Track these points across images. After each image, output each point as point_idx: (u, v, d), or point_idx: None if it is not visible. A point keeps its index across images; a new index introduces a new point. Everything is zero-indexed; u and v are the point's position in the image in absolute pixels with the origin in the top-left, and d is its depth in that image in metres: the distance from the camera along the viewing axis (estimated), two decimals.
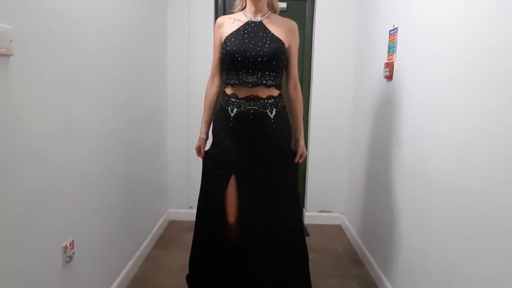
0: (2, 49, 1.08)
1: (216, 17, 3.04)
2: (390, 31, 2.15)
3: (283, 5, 3.06)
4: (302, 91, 3.13)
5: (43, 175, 1.33)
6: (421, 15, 1.78)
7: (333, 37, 3.03)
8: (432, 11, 1.67)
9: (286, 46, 1.81)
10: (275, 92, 1.82)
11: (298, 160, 1.90)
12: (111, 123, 1.91)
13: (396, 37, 2.07)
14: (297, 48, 1.89)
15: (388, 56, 2.18)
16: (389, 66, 2.13)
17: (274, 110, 1.80)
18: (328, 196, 3.23)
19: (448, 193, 1.48)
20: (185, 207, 3.22)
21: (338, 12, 3.00)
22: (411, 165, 1.84)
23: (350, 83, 3.07)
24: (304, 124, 3.23)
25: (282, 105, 1.86)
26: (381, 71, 2.28)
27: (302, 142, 1.92)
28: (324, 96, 3.10)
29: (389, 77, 2.13)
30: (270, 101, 1.79)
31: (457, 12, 1.46)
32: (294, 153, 1.90)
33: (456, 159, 1.42)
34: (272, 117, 1.79)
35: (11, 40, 1.11)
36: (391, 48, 2.13)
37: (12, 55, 1.13)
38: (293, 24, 1.86)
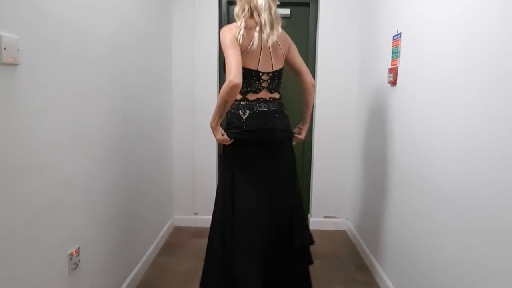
0: (9, 59, 1.10)
1: (220, 23, 3.06)
2: (394, 36, 2.15)
3: (287, 11, 3.08)
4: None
5: (49, 182, 1.34)
6: (424, 21, 1.78)
7: (336, 43, 3.04)
8: (435, 16, 1.67)
9: None
10: None
11: None
12: (117, 131, 1.92)
13: (399, 42, 2.07)
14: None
15: (392, 61, 2.18)
16: (393, 71, 2.13)
17: None
18: (333, 202, 3.22)
19: (454, 199, 1.47)
20: (190, 213, 3.22)
21: (341, 18, 3.01)
22: (416, 171, 1.83)
23: (354, 89, 3.07)
24: (308, 129, 3.23)
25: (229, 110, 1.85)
26: (385, 76, 2.28)
27: None
28: (328, 101, 3.10)
29: (393, 82, 2.13)
30: None
31: (460, 16, 1.46)
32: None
33: (462, 165, 1.42)
34: None
35: (18, 50, 1.13)
36: (395, 54, 2.13)
37: (19, 64, 1.15)
38: None
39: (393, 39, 2.16)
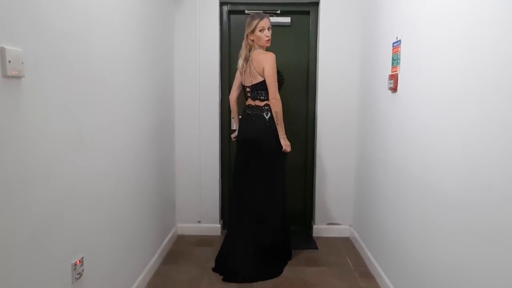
0: (14, 72, 1.11)
1: (221, 32, 3.10)
2: (394, 43, 2.17)
3: (287, 19, 3.11)
4: (308, 103, 3.21)
5: (53, 192, 1.35)
6: (423, 27, 1.80)
7: (337, 50, 3.05)
8: (434, 23, 1.68)
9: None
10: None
11: None
12: (120, 140, 1.94)
13: (399, 49, 2.08)
14: None
15: (392, 68, 2.19)
16: (394, 77, 2.14)
17: None
18: (336, 208, 3.21)
19: (456, 206, 1.47)
20: (193, 222, 3.22)
21: (341, 25, 3.03)
22: (418, 176, 1.83)
23: (355, 95, 3.08)
24: (310, 136, 3.29)
25: None
26: (385, 83, 2.29)
27: None
28: (329, 108, 3.11)
29: (394, 89, 2.14)
30: None
31: (460, 23, 1.47)
32: None
33: (463, 169, 1.42)
34: None
35: (22, 63, 1.15)
36: (395, 60, 2.14)
37: (24, 76, 1.16)
38: None
39: (393, 46, 2.18)
